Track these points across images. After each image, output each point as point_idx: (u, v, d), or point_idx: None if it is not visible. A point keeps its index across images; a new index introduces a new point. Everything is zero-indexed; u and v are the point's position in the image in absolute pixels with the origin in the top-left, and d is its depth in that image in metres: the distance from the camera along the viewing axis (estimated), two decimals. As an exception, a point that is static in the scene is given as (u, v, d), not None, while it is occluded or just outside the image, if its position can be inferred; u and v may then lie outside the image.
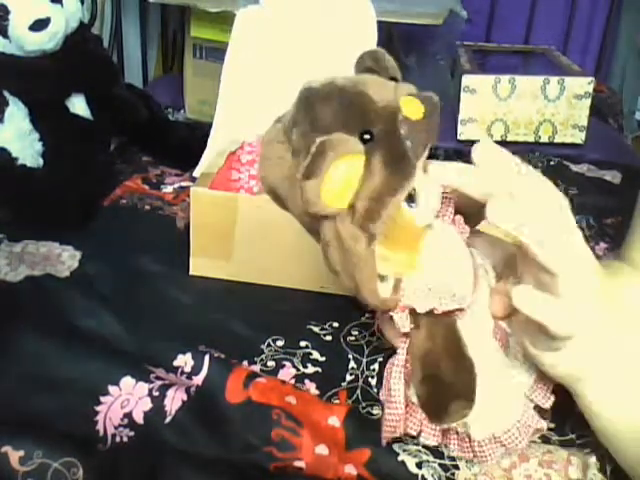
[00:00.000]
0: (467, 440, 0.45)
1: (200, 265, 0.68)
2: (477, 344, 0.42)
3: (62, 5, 0.77)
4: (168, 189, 0.86)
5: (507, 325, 0.44)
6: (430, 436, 0.45)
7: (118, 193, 0.83)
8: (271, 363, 0.57)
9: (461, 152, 0.98)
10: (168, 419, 0.50)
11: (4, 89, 0.74)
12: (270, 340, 0.60)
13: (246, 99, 0.83)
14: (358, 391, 0.55)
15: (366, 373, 0.57)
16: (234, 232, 0.66)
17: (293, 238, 0.64)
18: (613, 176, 0.99)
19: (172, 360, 0.56)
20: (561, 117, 1.05)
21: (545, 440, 0.50)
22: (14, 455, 0.45)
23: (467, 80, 1.03)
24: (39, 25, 0.75)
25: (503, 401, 0.44)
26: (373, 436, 0.49)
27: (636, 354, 0.43)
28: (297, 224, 0.63)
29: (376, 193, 0.36)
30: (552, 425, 0.51)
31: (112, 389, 0.52)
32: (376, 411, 0.53)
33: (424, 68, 1.13)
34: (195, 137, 0.90)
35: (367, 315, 0.64)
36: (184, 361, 0.55)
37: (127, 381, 0.52)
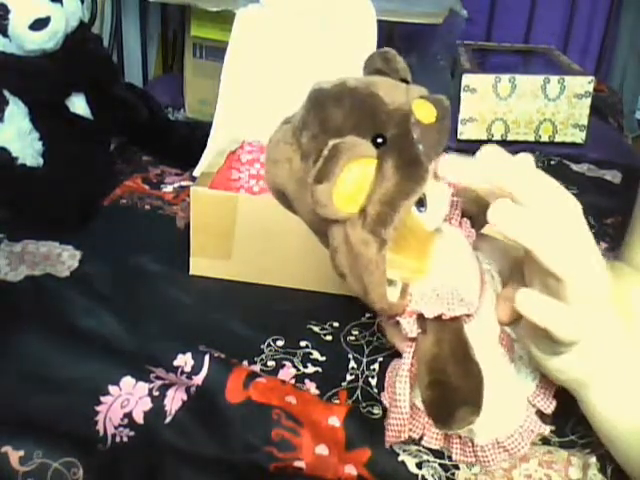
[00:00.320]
0: (470, 444, 0.45)
1: (200, 265, 0.68)
2: (483, 350, 0.42)
3: (62, 4, 0.77)
4: (168, 189, 0.86)
5: (512, 331, 0.44)
6: (432, 440, 0.45)
7: (118, 193, 0.83)
8: (271, 363, 0.57)
9: (461, 152, 0.98)
10: (168, 419, 0.50)
11: (4, 88, 0.74)
12: (270, 340, 0.60)
13: (246, 99, 0.83)
14: (358, 391, 0.55)
15: (366, 373, 0.57)
16: (234, 232, 0.66)
17: (293, 238, 0.64)
18: (613, 176, 0.99)
19: (172, 360, 0.56)
20: (561, 116, 1.05)
21: (545, 441, 0.50)
22: (14, 455, 0.45)
23: (467, 79, 1.03)
24: (39, 24, 0.74)
25: (507, 406, 0.44)
26: (373, 436, 0.49)
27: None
28: (297, 224, 0.63)
29: (388, 197, 0.36)
30: (552, 427, 0.51)
31: (112, 389, 0.52)
32: (376, 411, 0.53)
33: (424, 67, 1.13)
34: (195, 137, 0.90)
35: (367, 315, 0.64)
36: (184, 361, 0.55)
37: (127, 381, 0.52)
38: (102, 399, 0.51)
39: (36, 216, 0.73)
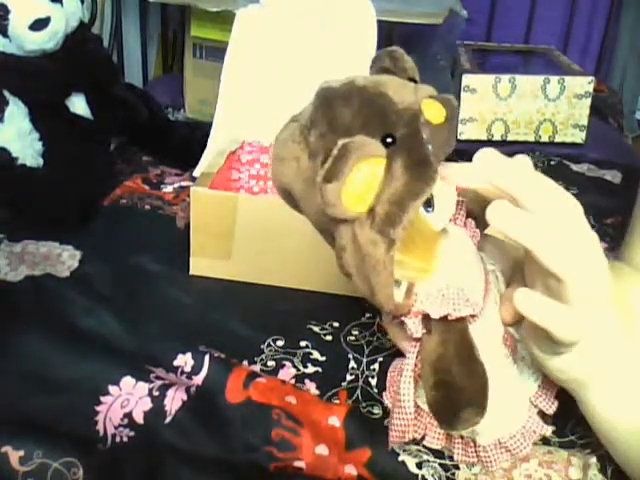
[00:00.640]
0: (472, 445, 0.45)
1: (200, 265, 0.68)
2: (487, 350, 0.42)
3: (62, 4, 0.77)
4: (168, 189, 0.86)
5: (515, 331, 0.44)
6: (434, 440, 0.45)
7: (118, 193, 0.83)
8: (271, 363, 0.57)
9: (461, 152, 0.98)
10: (168, 419, 0.50)
11: (4, 88, 0.74)
12: (270, 340, 0.60)
13: (246, 99, 0.83)
14: (358, 391, 0.55)
15: (366, 373, 0.57)
16: (234, 232, 0.66)
17: (293, 238, 0.64)
18: (613, 176, 0.99)
19: (172, 360, 0.55)
20: (561, 117, 1.05)
21: (545, 441, 0.50)
22: (14, 455, 0.45)
23: (467, 79, 1.03)
24: (39, 24, 0.74)
25: (509, 407, 0.44)
26: (373, 436, 0.49)
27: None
28: (297, 224, 0.63)
29: (397, 197, 0.36)
30: (553, 427, 0.51)
31: (112, 389, 0.52)
32: (376, 411, 0.53)
33: (424, 67, 1.12)
34: (195, 137, 0.90)
35: (367, 315, 0.64)
36: (184, 361, 0.55)
37: (127, 381, 0.52)
38: (102, 399, 0.51)
39: (36, 216, 0.73)
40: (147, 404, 0.51)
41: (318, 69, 0.81)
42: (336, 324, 0.62)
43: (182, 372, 0.55)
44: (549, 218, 0.37)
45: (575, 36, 1.41)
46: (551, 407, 0.45)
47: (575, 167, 1.00)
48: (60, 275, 0.66)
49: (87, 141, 0.81)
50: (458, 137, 1.05)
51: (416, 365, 0.43)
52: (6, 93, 0.74)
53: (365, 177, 0.35)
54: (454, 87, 1.10)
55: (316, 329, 0.61)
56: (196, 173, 0.85)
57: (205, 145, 0.85)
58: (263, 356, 0.58)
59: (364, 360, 0.58)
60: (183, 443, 0.49)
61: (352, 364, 0.58)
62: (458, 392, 0.39)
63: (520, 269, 0.43)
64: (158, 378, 0.53)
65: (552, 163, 1.00)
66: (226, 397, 0.51)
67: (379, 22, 0.84)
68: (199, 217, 0.66)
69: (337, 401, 0.54)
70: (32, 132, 0.76)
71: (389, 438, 0.44)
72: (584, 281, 0.38)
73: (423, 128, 0.36)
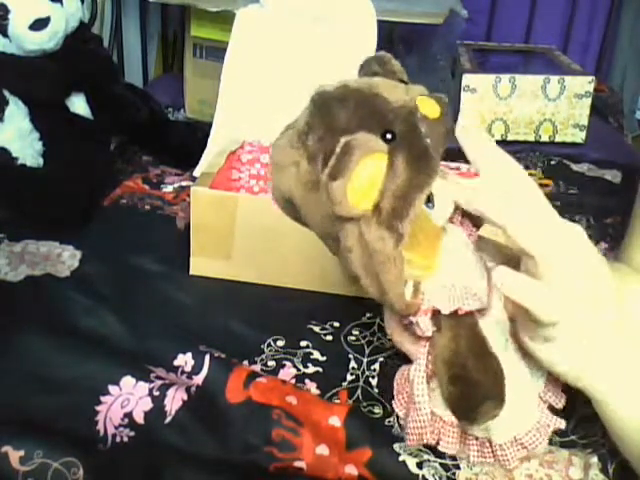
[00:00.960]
0: (488, 445, 0.45)
1: (200, 265, 0.68)
2: (496, 346, 0.42)
3: (62, 4, 0.77)
4: (168, 189, 0.86)
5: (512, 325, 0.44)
6: (449, 445, 0.45)
7: (118, 193, 0.83)
8: (271, 363, 0.57)
9: (461, 152, 0.98)
10: (168, 419, 0.50)
11: (4, 88, 0.74)
12: (270, 340, 0.60)
13: (246, 99, 0.83)
14: (359, 391, 0.55)
15: (367, 373, 0.57)
16: (234, 232, 0.66)
17: (293, 238, 0.64)
18: (613, 175, 0.99)
19: (172, 360, 0.55)
20: (561, 116, 1.05)
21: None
22: (14, 455, 0.45)
23: (467, 79, 1.03)
24: (39, 24, 0.74)
25: (522, 403, 0.44)
26: (374, 436, 0.49)
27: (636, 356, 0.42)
28: (298, 224, 0.63)
29: (401, 191, 0.36)
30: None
31: (112, 389, 0.52)
32: (377, 411, 0.53)
33: (424, 67, 1.13)
34: (195, 137, 0.90)
35: (368, 315, 0.64)
36: (184, 361, 0.55)
37: (127, 381, 0.52)
38: (102, 399, 0.51)
39: (36, 216, 0.73)
40: (147, 404, 0.51)
41: (318, 69, 0.81)
42: (336, 324, 0.62)
43: (182, 372, 0.54)
44: (518, 200, 0.39)
45: (575, 36, 1.41)
46: (560, 401, 0.45)
47: (575, 167, 1.00)
48: (60, 275, 0.66)
49: (87, 141, 0.81)
50: (458, 137, 1.05)
51: (427, 366, 0.43)
52: (6, 93, 0.74)
53: (369, 173, 0.36)
54: (454, 87, 1.10)
55: (316, 329, 0.61)
56: (196, 173, 0.85)
57: (205, 145, 0.85)
58: (263, 356, 0.58)
59: (364, 360, 0.58)
60: (183, 443, 0.49)
61: (352, 364, 0.58)
62: (475, 386, 0.39)
63: (515, 268, 0.43)
64: (158, 378, 0.53)
65: (552, 163, 1.00)
66: (226, 397, 0.51)
67: (379, 22, 0.84)
68: (199, 217, 0.66)
69: (337, 401, 0.53)
70: (32, 132, 0.76)
71: (407, 442, 0.44)
72: (557, 258, 0.38)
73: (420, 123, 0.37)
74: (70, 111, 0.83)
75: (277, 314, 0.63)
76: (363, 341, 0.60)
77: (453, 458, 0.48)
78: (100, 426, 0.49)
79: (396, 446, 0.48)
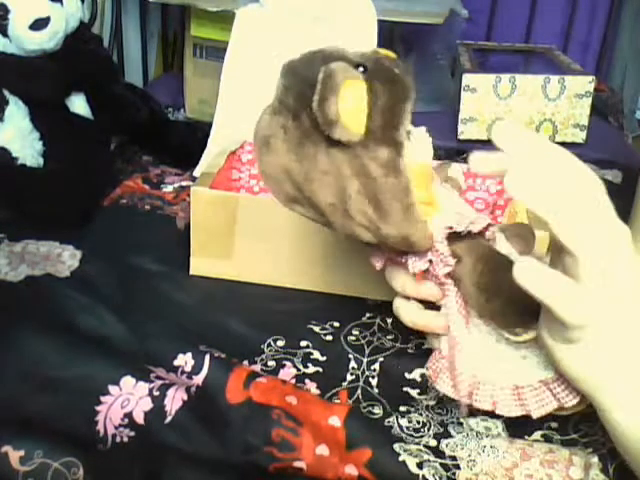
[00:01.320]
0: (545, 390, 0.44)
1: (200, 265, 0.68)
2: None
3: (62, 4, 0.77)
4: (168, 189, 0.86)
5: None
6: (509, 407, 0.44)
7: (118, 193, 0.83)
8: (271, 363, 0.57)
9: (461, 151, 0.98)
10: (168, 419, 0.50)
11: (4, 88, 0.74)
12: (270, 340, 0.60)
13: (246, 98, 0.83)
14: (359, 391, 0.55)
15: (367, 373, 0.57)
16: (234, 232, 0.66)
17: (294, 238, 0.64)
18: (614, 175, 0.99)
19: (172, 360, 0.55)
20: (562, 116, 1.04)
21: (547, 439, 0.50)
22: (14, 455, 0.45)
23: (467, 79, 1.03)
24: (39, 24, 0.74)
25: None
26: (374, 436, 0.49)
27: None
28: (298, 224, 0.63)
29: (387, 105, 0.38)
30: (555, 424, 0.51)
31: (112, 389, 0.52)
32: (377, 411, 0.53)
33: (424, 67, 1.13)
34: (195, 137, 0.90)
35: (368, 315, 0.64)
36: (184, 361, 0.55)
37: (127, 381, 0.52)
38: (102, 399, 0.51)
39: (36, 216, 0.73)
40: (147, 404, 0.51)
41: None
42: (336, 324, 0.62)
43: (182, 372, 0.54)
44: (569, 192, 0.36)
45: (575, 36, 1.40)
46: (570, 400, 0.43)
47: (575, 167, 1.00)
48: (60, 275, 0.66)
49: (87, 141, 0.81)
50: (458, 137, 1.05)
51: (459, 310, 0.43)
52: (6, 93, 0.74)
53: (354, 94, 0.37)
54: (454, 87, 1.10)
55: (316, 329, 0.61)
56: (196, 173, 0.85)
57: (205, 145, 0.85)
58: (263, 356, 0.58)
59: (364, 360, 0.58)
60: (183, 443, 0.49)
61: (352, 364, 0.58)
62: (515, 292, 0.38)
63: None
64: (158, 378, 0.53)
65: (552, 163, 1.00)
66: (226, 397, 0.51)
67: (379, 22, 0.84)
68: (199, 217, 0.66)
69: (338, 401, 0.53)
70: (32, 132, 0.76)
71: (459, 401, 0.44)
72: (598, 259, 0.35)
73: (384, 60, 0.40)
74: (70, 111, 0.83)
75: (277, 314, 0.63)
76: (363, 341, 0.60)
77: (453, 458, 0.48)
78: (100, 426, 0.49)
79: (396, 446, 0.48)
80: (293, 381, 0.55)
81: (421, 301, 0.47)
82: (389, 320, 0.62)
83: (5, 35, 0.75)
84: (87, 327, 0.59)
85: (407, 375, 0.56)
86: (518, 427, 0.51)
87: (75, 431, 0.49)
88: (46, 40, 0.76)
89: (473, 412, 0.48)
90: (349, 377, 0.56)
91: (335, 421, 0.50)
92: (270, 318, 0.62)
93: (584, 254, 0.35)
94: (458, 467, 0.47)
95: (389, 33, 1.09)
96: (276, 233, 0.65)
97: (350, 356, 0.58)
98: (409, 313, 0.47)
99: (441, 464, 0.47)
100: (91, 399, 0.51)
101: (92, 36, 0.87)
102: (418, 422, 0.51)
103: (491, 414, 0.51)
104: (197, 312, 0.63)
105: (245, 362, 0.56)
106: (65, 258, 0.69)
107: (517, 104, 1.04)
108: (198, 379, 0.53)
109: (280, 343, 0.60)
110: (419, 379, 0.56)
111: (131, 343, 0.58)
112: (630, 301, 0.37)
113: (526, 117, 1.05)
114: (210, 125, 0.85)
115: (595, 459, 0.48)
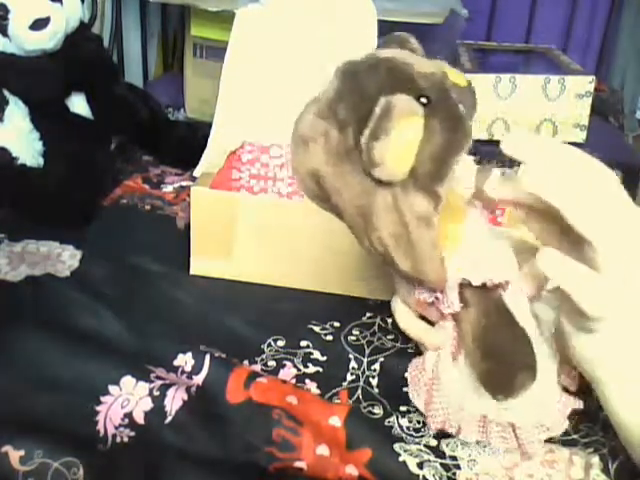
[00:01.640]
0: (510, 430, 0.44)
1: (200, 265, 0.68)
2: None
3: (62, 4, 0.77)
4: (168, 189, 0.86)
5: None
6: (471, 433, 0.44)
7: (118, 193, 0.83)
8: (272, 363, 0.57)
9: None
10: (168, 419, 0.50)
11: (4, 88, 0.74)
12: (271, 340, 0.60)
13: (246, 99, 0.83)
14: (359, 391, 0.55)
15: (367, 373, 0.57)
16: (234, 232, 0.66)
17: (294, 238, 0.64)
18: (614, 175, 0.99)
19: (172, 360, 0.55)
20: (562, 116, 1.04)
21: (548, 439, 0.50)
22: (14, 455, 0.45)
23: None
24: (39, 24, 0.74)
25: (543, 384, 0.43)
26: (374, 436, 0.49)
27: None
28: (298, 224, 0.63)
29: (439, 153, 0.36)
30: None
31: (112, 389, 0.52)
32: (377, 411, 0.52)
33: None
34: (195, 137, 0.90)
35: (368, 315, 0.63)
36: (184, 360, 0.55)
37: (127, 381, 0.52)
38: (102, 399, 0.51)
39: (36, 216, 0.73)
40: (147, 404, 0.51)
41: (318, 69, 0.81)
42: (337, 324, 0.62)
43: (182, 372, 0.54)
44: (584, 183, 0.36)
45: (575, 36, 1.40)
46: (574, 383, 0.44)
47: (576, 167, 1.00)
48: (60, 275, 0.66)
49: (87, 141, 0.81)
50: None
51: (453, 345, 0.42)
52: (6, 93, 0.74)
53: (409, 134, 0.35)
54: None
55: (317, 329, 0.61)
56: (196, 173, 0.85)
57: (205, 145, 0.85)
58: (264, 356, 0.58)
59: (365, 360, 0.58)
60: (183, 443, 0.49)
61: (353, 364, 0.58)
62: (510, 358, 0.38)
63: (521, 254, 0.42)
64: (158, 378, 0.52)
65: (553, 163, 1.00)
66: (226, 397, 0.51)
67: (379, 22, 0.84)
68: (199, 217, 0.66)
69: (338, 401, 0.53)
70: (32, 132, 0.76)
71: (430, 425, 0.44)
72: (618, 249, 0.35)
73: (452, 90, 0.37)
74: (70, 111, 0.83)
75: (277, 314, 0.63)
76: (363, 341, 0.60)
77: (453, 458, 0.48)
78: (100, 426, 0.49)
79: (396, 446, 0.48)
80: (293, 381, 0.55)
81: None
82: (389, 320, 0.62)
83: (5, 35, 0.75)
84: (87, 327, 0.59)
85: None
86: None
87: (75, 431, 0.48)
88: (46, 40, 0.76)
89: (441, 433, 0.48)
90: (349, 377, 0.56)
91: (335, 421, 0.50)
92: (270, 318, 0.62)
93: (602, 242, 0.35)
94: (458, 467, 0.47)
95: (389, 33, 1.09)
96: (276, 233, 0.65)
97: (350, 356, 0.58)
98: (404, 319, 0.48)
99: (441, 464, 0.47)
100: (91, 399, 0.51)
101: (92, 36, 0.87)
102: (418, 422, 0.51)
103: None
104: (197, 312, 0.63)
105: (245, 362, 0.56)
106: (65, 258, 0.69)
107: (517, 104, 1.04)
108: (198, 379, 0.53)
109: (280, 343, 0.59)
110: (419, 379, 0.56)
111: (131, 343, 0.58)
112: None
113: (526, 117, 1.05)
114: (210, 125, 0.85)
115: (596, 459, 0.48)
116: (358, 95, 0.37)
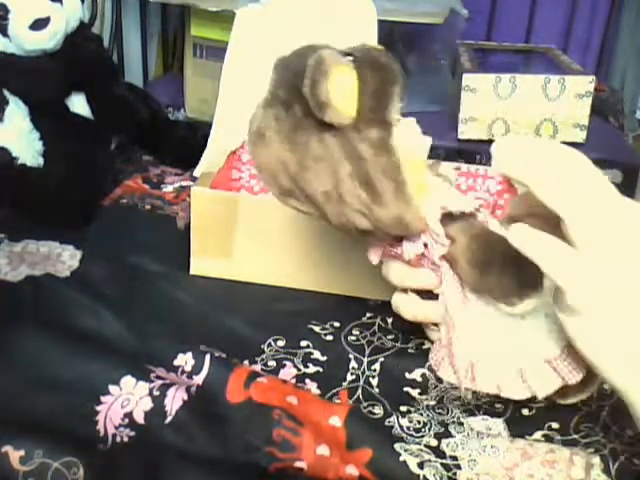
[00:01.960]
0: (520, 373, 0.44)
1: (200, 265, 0.68)
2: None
3: (62, 4, 0.77)
4: (168, 188, 0.86)
5: None
6: (486, 385, 0.44)
7: (118, 193, 0.83)
8: (272, 363, 0.57)
9: (461, 151, 0.98)
10: (169, 419, 0.50)
11: (4, 88, 0.74)
12: (271, 340, 0.60)
13: (246, 98, 0.83)
14: (359, 391, 0.55)
15: (367, 373, 0.57)
16: (234, 232, 0.66)
17: (294, 238, 0.64)
18: (614, 175, 0.99)
19: (172, 359, 0.55)
20: (562, 116, 1.04)
21: (548, 439, 0.50)
22: (14, 455, 0.45)
23: (467, 79, 1.03)
24: (39, 24, 0.74)
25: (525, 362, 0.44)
26: (375, 436, 0.49)
27: None
28: (298, 224, 0.63)
29: (378, 89, 0.39)
30: (556, 425, 0.51)
31: (112, 388, 0.52)
32: (377, 411, 0.52)
33: (424, 67, 1.13)
34: (195, 136, 0.90)
35: (368, 315, 0.63)
36: (184, 360, 0.55)
37: (127, 380, 0.52)
38: (102, 399, 0.51)
39: (36, 216, 0.73)
40: (147, 404, 0.51)
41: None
42: (337, 324, 0.62)
43: (182, 372, 0.54)
44: (555, 161, 0.37)
45: (575, 35, 1.41)
46: (574, 376, 0.43)
47: (576, 167, 1.00)
48: (60, 275, 0.66)
49: (87, 141, 0.81)
50: (459, 136, 1.05)
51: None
52: (6, 93, 0.74)
53: (344, 79, 0.38)
54: (454, 87, 1.10)
55: (317, 329, 0.61)
56: (196, 173, 0.85)
57: (205, 145, 0.85)
58: (264, 356, 0.58)
59: (365, 360, 0.58)
60: (183, 443, 0.49)
61: (353, 364, 0.58)
62: (509, 261, 0.39)
63: None
64: (158, 378, 0.52)
65: (553, 163, 1.00)
66: (227, 397, 0.51)
67: (379, 21, 0.84)
68: (199, 217, 0.66)
69: (338, 401, 0.53)
70: (32, 132, 0.76)
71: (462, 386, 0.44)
72: (592, 225, 0.35)
73: (374, 51, 0.41)
74: (70, 111, 0.83)
75: (277, 314, 0.63)
76: (363, 341, 0.60)
77: (454, 458, 0.48)
78: (100, 426, 0.49)
79: (397, 446, 0.48)
80: (293, 381, 0.55)
81: (419, 294, 0.47)
82: (389, 320, 0.62)
83: (5, 35, 0.75)
84: (87, 327, 0.59)
85: (407, 375, 0.56)
86: (519, 427, 0.51)
87: (75, 431, 0.48)
88: (46, 40, 0.76)
89: (478, 399, 0.49)
90: (349, 377, 0.56)
91: (336, 421, 0.50)
92: (270, 318, 0.62)
93: (574, 217, 0.36)
94: (459, 467, 0.47)
95: (389, 33, 1.09)
96: (276, 233, 0.64)
97: (350, 356, 0.58)
98: (409, 306, 0.47)
99: (442, 464, 0.47)
100: (91, 399, 0.51)
101: (92, 36, 0.87)
102: (419, 422, 0.51)
103: (491, 413, 0.51)
104: (197, 312, 0.63)
105: (245, 362, 0.56)
106: (65, 258, 0.69)
107: (517, 104, 1.04)
108: (198, 379, 0.53)
109: (280, 343, 0.59)
110: (419, 379, 0.56)
111: (131, 343, 0.58)
112: (631, 262, 0.36)
113: (526, 117, 1.05)
114: (210, 125, 0.85)
115: (597, 459, 0.47)
116: (293, 76, 0.39)
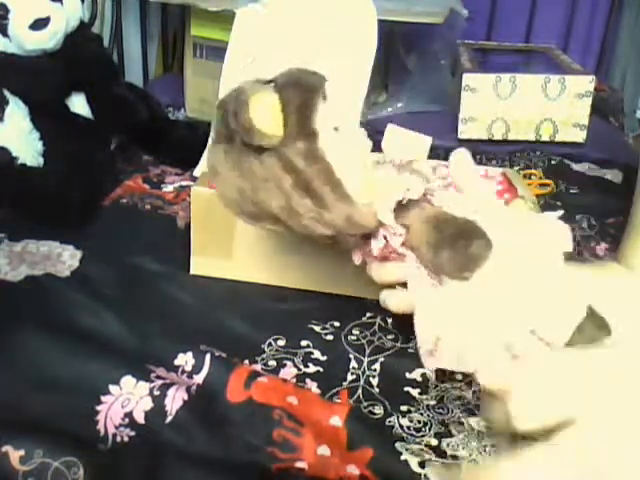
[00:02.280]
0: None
1: (201, 264, 0.68)
2: None
3: (62, 4, 0.77)
4: (169, 188, 0.86)
5: None
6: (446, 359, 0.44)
7: (118, 192, 0.83)
8: (272, 363, 0.57)
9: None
10: (169, 419, 0.50)
11: (4, 88, 0.74)
12: (271, 339, 0.60)
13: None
14: (359, 390, 0.55)
15: (367, 373, 0.57)
16: (235, 231, 0.66)
17: (294, 238, 0.64)
18: (614, 175, 0.99)
19: (173, 359, 0.55)
20: (562, 116, 1.05)
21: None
22: (14, 454, 0.45)
23: (468, 79, 1.03)
24: (39, 24, 0.74)
25: None
26: (375, 436, 0.49)
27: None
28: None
29: (297, 105, 0.40)
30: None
31: (113, 388, 0.52)
32: (378, 410, 0.52)
33: (425, 67, 1.13)
34: (195, 136, 0.90)
35: (368, 314, 0.63)
36: (185, 360, 0.55)
37: (128, 380, 0.52)
38: (103, 399, 0.51)
39: (36, 216, 0.73)
40: (148, 404, 0.51)
41: (318, 69, 0.81)
42: (337, 324, 0.62)
43: (183, 371, 0.54)
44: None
45: (576, 35, 1.41)
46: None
47: (576, 166, 1.00)
48: (60, 275, 0.66)
49: (87, 141, 0.81)
50: (458, 136, 1.05)
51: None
52: (6, 93, 0.74)
53: (263, 102, 0.40)
54: (455, 87, 1.10)
55: (317, 329, 0.61)
56: (196, 173, 0.85)
57: (205, 145, 0.85)
58: (264, 356, 0.58)
59: (365, 360, 0.58)
60: (184, 443, 0.49)
61: (353, 364, 0.58)
62: (459, 236, 0.40)
63: None
64: (159, 377, 0.52)
65: (553, 162, 1.00)
66: (227, 397, 0.51)
67: (379, 21, 0.84)
68: (199, 217, 0.66)
69: (338, 401, 0.53)
70: (32, 132, 0.76)
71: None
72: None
73: (292, 71, 0.42)
74: (70, 111, 0.83)
75: (278, 314, 0.63)
76: (364, 341, 0.60)
77: (455, 457, 0.48)
78: (100, 426, 0.49)
79: (398, 445, 0.48)
80: (294, 381, 0.55)
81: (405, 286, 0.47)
82: (389, 320, 0.62)
83: (5, 35, 0.75)
84: (87, 327, 0.59)
85: (408, 375, 0.56)
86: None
87: (75, 431, 0.48)
88: (46, 40, 0.76)
89: (444, 380, 0.49)
90: (350, 377, 0.56)
91: (336, 421, 0.50)
92: (270, 318, 0.62)
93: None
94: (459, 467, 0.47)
95: (389, 33, 1.09)
96: (276, 233, 0.64)
97: (351, 356, 0.58)
98: (393, 300, 0.47)
99: (443, 464, 0.47)
100: (91, 399, 0.51)
101: (92, 36, 0.87)
102: (419, 422, 0.51)
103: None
104: (197, 312, 0.63)
105: (246, 362, 0.56)
106: (65, 258, 0.69)
107: (517, 104, 1.04)
108: (199, 379, 0.53)
109: (281, 343, 0.59)
110: (420, 379, 0.56)
111: (131, 343, 0.58)
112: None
113: (526, 117, 1.05)
114: (210, 125, 0.85)
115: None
116: (235, 106, 0.41)
